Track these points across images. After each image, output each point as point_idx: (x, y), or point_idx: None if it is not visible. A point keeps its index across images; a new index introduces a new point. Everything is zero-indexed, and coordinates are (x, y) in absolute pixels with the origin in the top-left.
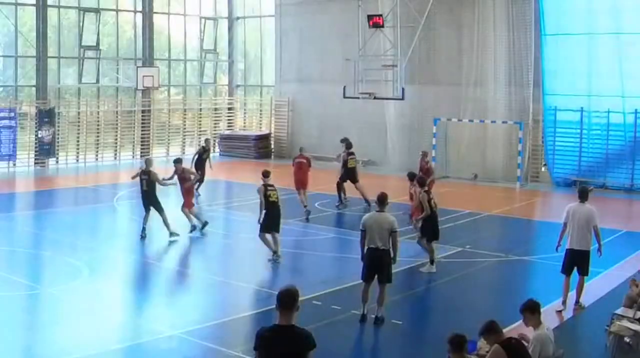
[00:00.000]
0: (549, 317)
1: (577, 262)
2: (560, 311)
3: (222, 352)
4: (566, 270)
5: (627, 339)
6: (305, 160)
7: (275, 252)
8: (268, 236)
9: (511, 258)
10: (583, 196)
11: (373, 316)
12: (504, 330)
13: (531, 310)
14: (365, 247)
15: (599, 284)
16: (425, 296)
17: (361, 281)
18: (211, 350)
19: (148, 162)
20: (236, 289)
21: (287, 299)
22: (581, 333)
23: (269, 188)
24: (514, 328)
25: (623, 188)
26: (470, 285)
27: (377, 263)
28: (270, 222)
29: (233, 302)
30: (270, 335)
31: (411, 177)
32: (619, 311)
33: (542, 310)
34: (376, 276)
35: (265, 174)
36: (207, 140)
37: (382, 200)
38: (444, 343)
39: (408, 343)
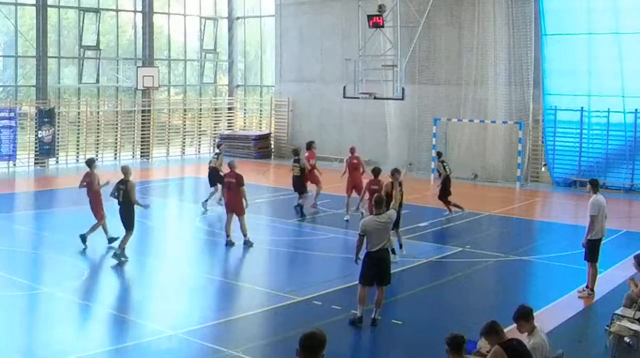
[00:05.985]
0: (551, 316)
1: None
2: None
3: (222, 352)
4: (597, 258)
5: (627, 339)
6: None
7: None
8: None
9: (511, 258)
10: (598, 187)
11: (372, 317)
12: (504, 331)
13: (525, 317)
14: (364, 251)
15: (599, 284)
16: (425, 296)
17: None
18: (211, 350)
19: (126, 170)
20: (236, 289)
21: (312, 343)
22: (581, 333)
23: None
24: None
25: (623, 188)
26: (470, 285)
27: (378, 266)
28: None
29: (233, 302)
30: None
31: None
32: (619, 311)
33: (544, 309)
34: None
35: None
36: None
37: (379, 202)
38: (444, 343)
39: (408, 343)
